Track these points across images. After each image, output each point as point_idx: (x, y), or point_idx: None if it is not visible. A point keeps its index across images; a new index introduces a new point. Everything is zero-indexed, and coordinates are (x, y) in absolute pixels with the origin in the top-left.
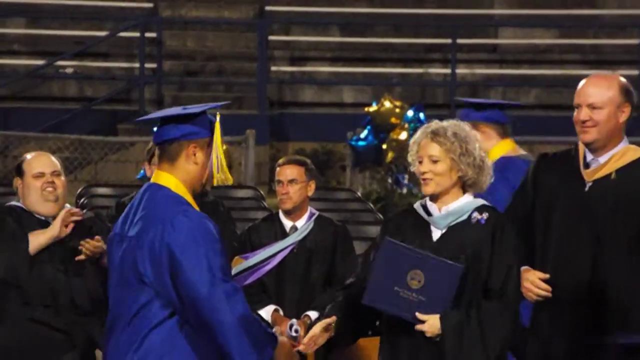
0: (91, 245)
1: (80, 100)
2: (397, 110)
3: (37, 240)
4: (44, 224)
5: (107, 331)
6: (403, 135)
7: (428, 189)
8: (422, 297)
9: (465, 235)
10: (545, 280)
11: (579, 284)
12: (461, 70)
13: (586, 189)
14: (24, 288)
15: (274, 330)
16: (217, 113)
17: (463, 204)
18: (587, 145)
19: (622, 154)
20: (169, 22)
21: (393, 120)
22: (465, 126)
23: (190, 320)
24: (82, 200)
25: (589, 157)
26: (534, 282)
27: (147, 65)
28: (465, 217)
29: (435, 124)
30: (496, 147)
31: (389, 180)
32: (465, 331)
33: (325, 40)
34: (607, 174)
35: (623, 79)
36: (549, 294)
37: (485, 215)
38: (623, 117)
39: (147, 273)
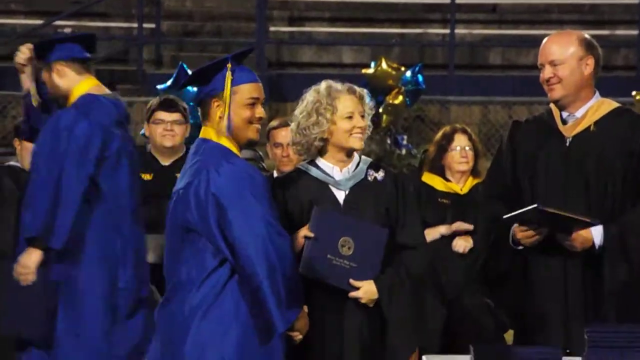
0: None
1: None
2: (394, 72)
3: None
4: None
5: (166, 284)
6: (399, 99)
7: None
8: (354, 263)
9: (369, 194)
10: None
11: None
12: (460, 31)
13: (567, 144)
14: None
15: None
16: (228, 64)
17: (359, 163)
18: (556, 102)
19: (597, 106)
20: None
21: (390, 82)
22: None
23: (237, 267)
24: None
25: (565, 114)
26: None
27: (146, 25)
28: (363, 176)
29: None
30: (79, 85)
31: (388, 141)
32: (401, 290)
33: (323, 0)
34: (587, 127)
35: (583, 33)
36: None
37: (381, 173)
38: (588, 69)
39: (195, 221)
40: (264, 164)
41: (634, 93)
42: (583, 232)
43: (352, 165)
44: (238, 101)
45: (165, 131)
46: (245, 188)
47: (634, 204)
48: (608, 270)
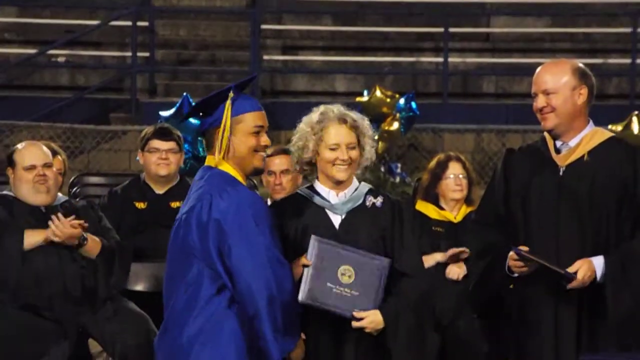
0: (61, 224)
1: (72, 89)
2: (388, 100)
3: (34, 238)
4: (36, 212)
5: (164, 308)
6: (395, 126)
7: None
8: (355, 291)
9: (365, 219)
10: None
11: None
12: (453, 59)
13: (560, 173)
14: (16, 278)
15: None
16: (230, 93)
17: (357, 188)
18: (550, 131)
19: (591, 136)
20: (161, 11)
21: (384, 110)
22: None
23: (236, 294)
24: (74, 189)
25: (558, 143)
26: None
27: (140, 54)
28: (360, 201)
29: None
30: None
31: (382, 169)
32: (405, 319)
33: (317, 29)
34: (580, 156)
35: (578, 63)
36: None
37: (380, 199)
38: (581, 99)
39: (195, 245)
40: (257, 192)
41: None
42: (585, 266)
43: (349, 190)
44: (243, 130)
45: (160, 160)
46: (247, 215)
47: (633, 233)
48: (611, 301)
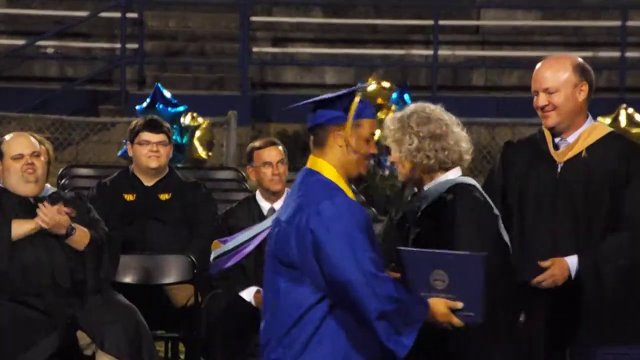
0: (49, 210)
1: (61, 81)
2: (385, 91)
3: (22, 228)
4: (25, 203)
5: (262, 316)
6: (390, 115)
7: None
8: (451, 294)
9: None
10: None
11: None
12: (443, 52)
13: (558, 170)
14: (4, 269)
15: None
16: (357, 95)
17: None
18: (551, 129)
19: (589, 132)
20: (151, 3)
21: (379, 100)
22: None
23: (339, 303)
24: (63, 180)
25: (557, 139)
26: None
27: (129, 45)
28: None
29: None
30: None
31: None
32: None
33: (307, 21)
34: (578, 152)
35: (577, 58)
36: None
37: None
38: (582, 95)
39: (295, 257)
40: (246, 184)
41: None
42: (559, 264)
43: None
44: (360, 134)
45: (150, 152)
46: (348, 225)
47: (612, 230)
48: (585, 298)
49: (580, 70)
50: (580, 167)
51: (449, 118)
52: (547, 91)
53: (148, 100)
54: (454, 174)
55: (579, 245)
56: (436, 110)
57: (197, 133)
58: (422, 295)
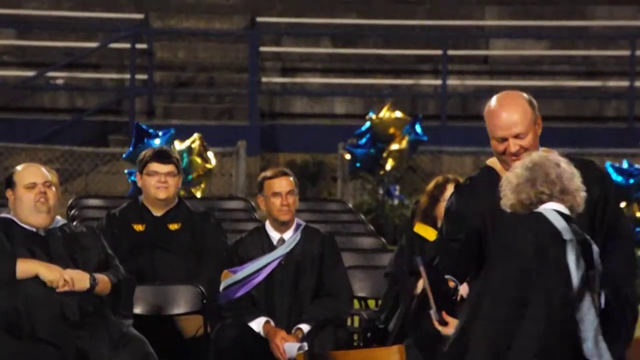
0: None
1: (71, 112)
2: (397, 121)
3: (28, 269)
4: (35, 236)
5: None
6: (403, 145)
7: None
8: None
9: None
10: None
11: None
12: (452, 82)
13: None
14: (11, 302)
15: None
16: None
17: None
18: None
19: None
20: (160, 33)
21: (392, 131)
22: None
23: None
24: (72, 211)
25: None
26: None
27: (138, 76)
28: None
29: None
30: None
31: (380, 192)
32: None
33: (316, 51)
34: None
35: (524, 94)
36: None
37: None
38: (539, 129)
39: None
40: (255, 214)
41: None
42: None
43: None
44: None
45: (159, 183)
46: None
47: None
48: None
49: (533, 105)
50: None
51: None
52: (518, 137)
53: (132, 141)
54: None
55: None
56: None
57: (193, 149)
58: None
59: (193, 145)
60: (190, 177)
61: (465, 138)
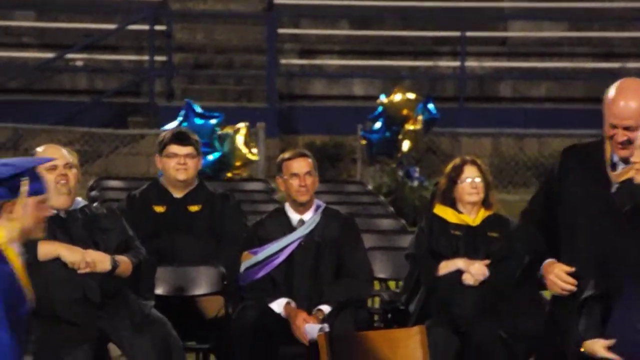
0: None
1: (90, 93)
2: (410, 102)
3: (49, 251)
4: (56, 218)
5: None
6: (418, 126)
7: None
8: None
9: None
10: (570, 275)
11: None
12: (470, 63)
13: (612, 190)
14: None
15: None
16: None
17: None
18: (624, 160)
19: None
20: (179, 15)
21: (405, 112)
22: None
23: None
24: (93, 193)
25: (616, 157)
26: (559, 276)
27: (157, 58)
28: None
29: None
30: None
31: (400, 173)
32: None
33: (334, 33)
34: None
35: None
36: (574, 288)
37: None
38: None
39: None
40: (275, 196)
41: None
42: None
43: None
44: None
45: (178, 165)
46: None
47: None
48: None
49: None
50: (634, 189)
51: None
52: (628, 129)
53: (180, 117)
54: None
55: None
56: None
57: (240, 138)
58: None
59: (239, 135)
60: (230, 164)
61: (484, 119)
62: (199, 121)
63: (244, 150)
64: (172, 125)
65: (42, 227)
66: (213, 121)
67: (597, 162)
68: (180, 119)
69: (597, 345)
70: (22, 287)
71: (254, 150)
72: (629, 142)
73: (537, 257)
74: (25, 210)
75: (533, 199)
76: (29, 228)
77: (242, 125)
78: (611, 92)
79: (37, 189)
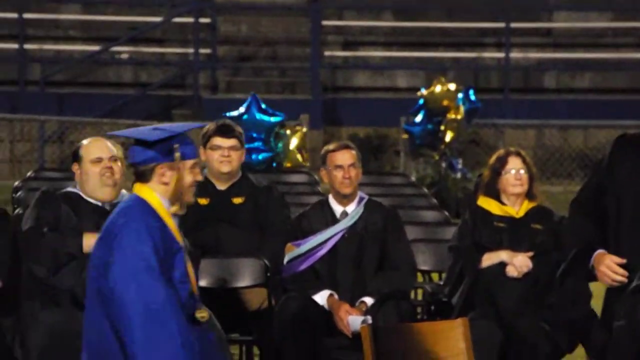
0: None
1: (135, 86)
2: (450, 92)
3: (93, 243)
4: (100, 210)
5: None
6: (460, 115)
7: None
8: None
9: None
10: (621, 266)
11: None
12: (515, 55)
13: None
14: (77, 276)
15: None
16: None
17: None
18: None
19: None
20: (223, 8)
21: (446, 102)
22: None
23: None
24: None
25: None
26: (610, 267)
27: (202, 50)
28: None
29: None
30: None
31: (443, 165)
32: None
33: (378, 24)
34: None
35: None
36: (625, 279)
37: None
38: None
39: None
40: (319, 188)
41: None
42: None
43: None
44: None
45: (222, 157)
46: None
47: None
48: None
49: None
50: None
51: None
52: None
53: (242, 109)
54: None
55: None
56: None
57: (295, 141)
58: None
59: (294, 137)
60: (280, 164)
61: (528, 111)
62: (260, 116)
63: (297, 153)
64: (234, 113)
65: (193, 190)
66: (274, 119)
67: None
68: (242, 110)
69: None
70: (176, 242)
71: (306, 156)
72: None
73: (586, 248)
74: (177, 174)
75: (583, 189)
76: (180, 191)
77: (299, 128)
78: None
79: (188, 153)
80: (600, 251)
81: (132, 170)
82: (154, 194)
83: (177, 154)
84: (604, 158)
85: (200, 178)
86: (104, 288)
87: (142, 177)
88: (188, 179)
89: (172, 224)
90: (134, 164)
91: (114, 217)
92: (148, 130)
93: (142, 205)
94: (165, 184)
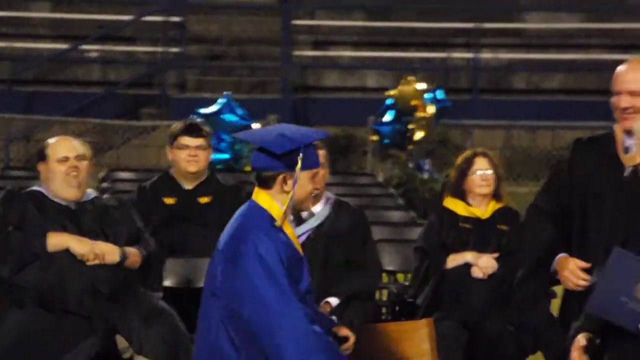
0: (98, 249)
1: (103, 84)
2: (418, 92)
3: (58, 243)
4: (65, 210)
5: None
6: (429, 112)
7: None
8: None
9: None
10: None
11: None
12: (486, 55)
13: (625, 174)
14: (43, 276)
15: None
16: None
17: None
18: (627, 132)
19: None
20: (193, 7)
21: (414, 102)
22: None
23: None
24: (104, 184)
25: (628, 141)
26: (574, 272)
27: (171, 49)
28: None
29: None
30: None
31: (410, 165)
32: None
33: (348, 24)
34: None
35: None
36: (588, 284)
37: None
38: None
39: None
40: None
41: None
42: None
43: None
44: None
45: (189, 157)
46: None
47: None
48: None
49: None
50: None
51: None
52: (632, 94)
53: (216, 108)
54: None
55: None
56: None
57: None
58: (621, 300)
59: None
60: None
61: (497, 112)
62: (231, 118)
63: None
64: (207, 110)
65: (311, 199)
66: (243, 122)
67: (608, 148)
68: (215, 109)
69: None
70: (297, 252)
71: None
72: (634, 112)
73: (548, 253)
74: (298, 184)
75: (540, 193)
76: (299, 200)
77: None
78: (619, 67)
79: (311, 163)
80: (562, 255)
81: (253, 174)
82: (274, 202)
83: (299, 165)
84: (561, 161)
85: (319, 186)
86: (236, 314)
87: (264, 183)
88: (308, 187)
89: (291, 233)
90: (257, 168)
91: (234, 232)
92: (275, 136)
93: (262, 217)
94: (287, 192)
